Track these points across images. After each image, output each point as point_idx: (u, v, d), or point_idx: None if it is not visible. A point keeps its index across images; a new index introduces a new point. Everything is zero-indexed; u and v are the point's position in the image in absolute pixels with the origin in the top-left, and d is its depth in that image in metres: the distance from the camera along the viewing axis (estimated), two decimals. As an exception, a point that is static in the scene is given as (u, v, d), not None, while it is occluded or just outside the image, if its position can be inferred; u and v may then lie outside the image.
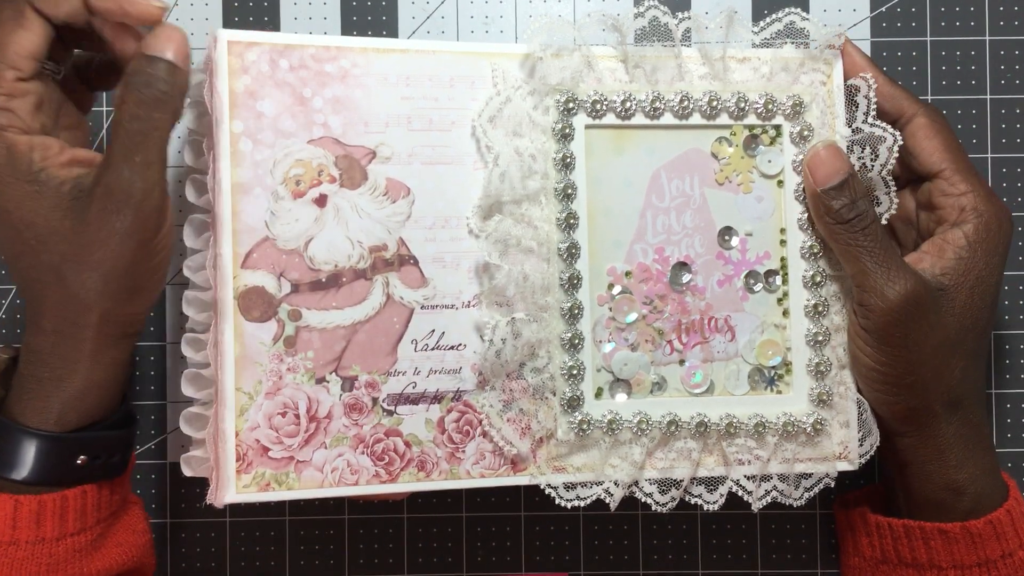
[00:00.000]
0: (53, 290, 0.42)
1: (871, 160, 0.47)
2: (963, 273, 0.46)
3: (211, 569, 0.54)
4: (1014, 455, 0.56)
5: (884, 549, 0.48)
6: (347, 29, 0.55)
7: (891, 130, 0.46)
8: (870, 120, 0.47)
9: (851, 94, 0.48)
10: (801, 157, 0.48)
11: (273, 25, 0.54)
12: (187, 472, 0.46)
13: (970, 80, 0.56)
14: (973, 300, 0.47)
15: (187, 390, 0.46)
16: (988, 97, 0.56)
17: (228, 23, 0.54)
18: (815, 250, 0.48)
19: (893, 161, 0.47)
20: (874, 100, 0.47)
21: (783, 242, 0.48)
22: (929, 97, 0.56)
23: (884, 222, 0.47)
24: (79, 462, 0.43)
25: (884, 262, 0.45)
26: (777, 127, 0.48)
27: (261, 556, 0.54)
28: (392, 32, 0.55)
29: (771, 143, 0.48)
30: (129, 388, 0.47)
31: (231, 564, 0.54)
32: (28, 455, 0.43)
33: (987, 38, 0.56)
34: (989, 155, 0.56)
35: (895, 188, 0.47)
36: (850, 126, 0.48)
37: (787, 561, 0.55)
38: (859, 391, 0.48)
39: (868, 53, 0.54)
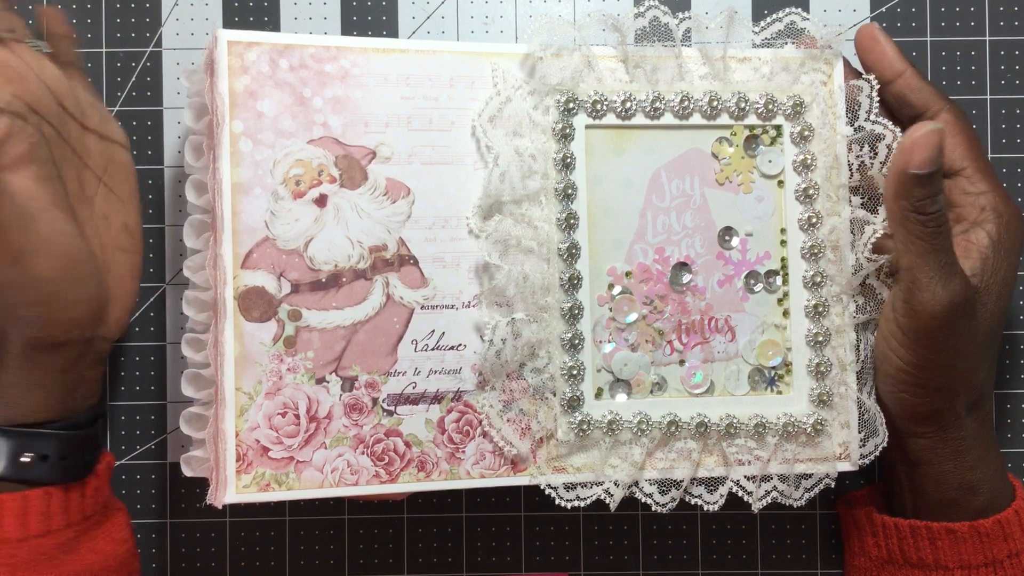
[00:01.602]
0: None
1: (870, 158, 0.47)
2: (990, 274, 0.46)
3: (211, 569, 0.54)
4: (1015, 455, 0.56)
5: (890, 549, 0.48)
6: (347, 29, 0.55)
7: (891, 126, 0.46)
8: (872, 117, 0.47)
9: (854, 94, 0.48)
10: (802, 157, 0.48)
11: (273, 25, 0.54)
12: (187, 472, 0.46)
13: (970, 80, 0.56)
14: (1001, 302, 0.47)
15: (187, 390, 0.46)
16: (988, 97, 0.56)
17: (228, 23, 0.54)
18: (815, 250, 0.48)
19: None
20: (876, 99, 0.47)
21: (783, 242, 0.48)
22: (929, 97, 0.56)
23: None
24: (25, 459, 0.42)
25: (946, 262, 0.44)
26: (777, 127, 0.48)
27: (261, 556, 0.54)
28: (392, 32, 0.55)
29: (771, 143, 0.48)
30: (93, 397, 0.46)
31: (231, 564, 0.54)
32: None
33: (987, 38, 0.56)
34: (989, 155, 0.56)
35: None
36: (852, 124, 0.48)
37: (787, 561, 0.55)
38: (874, 391, 0.48)
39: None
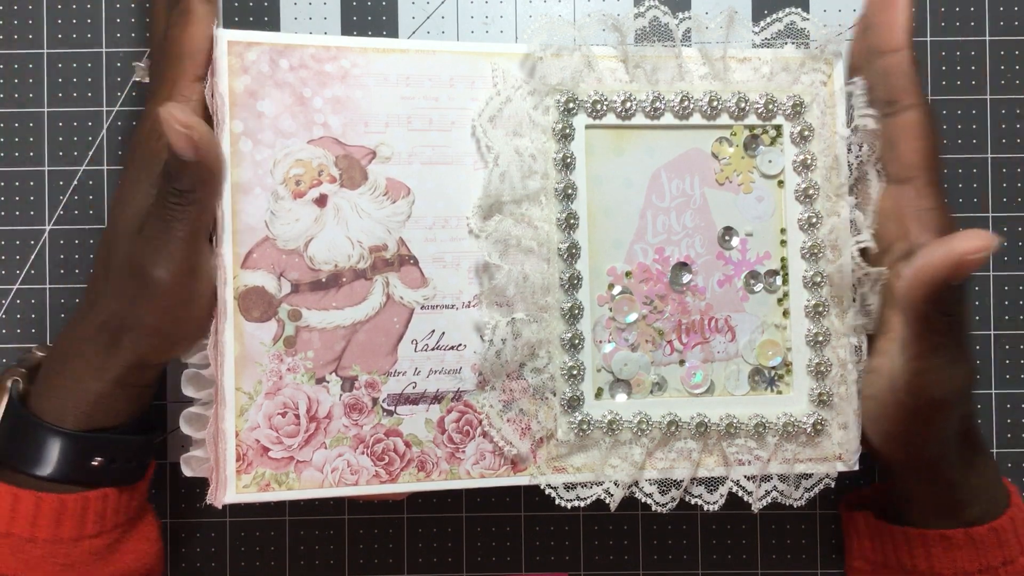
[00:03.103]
0: (105, 293, 0.44)
1: (858, 151, 0.47)
2: None
3: (211, 569, 0.54)
4: (1014, 455, 0.56)
5: (886, 554, 0.48)
6: (347, 29, 0.55)
7: (871, 124, 0.46)
8: (862, 113, 0.47)
9: (850, 95, 0.48)
10: (802, 157, 0.48)
11: (273, 25, 0.54)
12: (187, 472, 0.46)
13: (970, 80, 0.56)
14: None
15: (187, 390, 0.46)
16: (988, 97, 0.56)
17: (228, 23, 0.54)
18: (815, 250, 0.48)
19: (875, 154, 0.46)
20: (865, 102, 0.47)
21: (783, 242, 0.48)
22: (929, 97, 0.56)
23: (875, 223, 0.47)
24: (95, 463, 0.44)
25: (960, 352, 0.42)
26: (778, 127, 0.48)
27: (261, 556, 0.54)
28: (392, 32, 0.55)
29: (771, 143, 0.48)
30: (150, 403, 0.48)
31: (231, 564, 0.54)
32: (52, 452, 0.43)
33: (987, 38, 0.56)
34: (989, 155, 0.56)
35: (882, 182, 0.47)
36: (849, 125, 0.48)
37: (787, 561, 0.55)
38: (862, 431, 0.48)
39: (868, 53, 0.54)
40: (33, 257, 0.54)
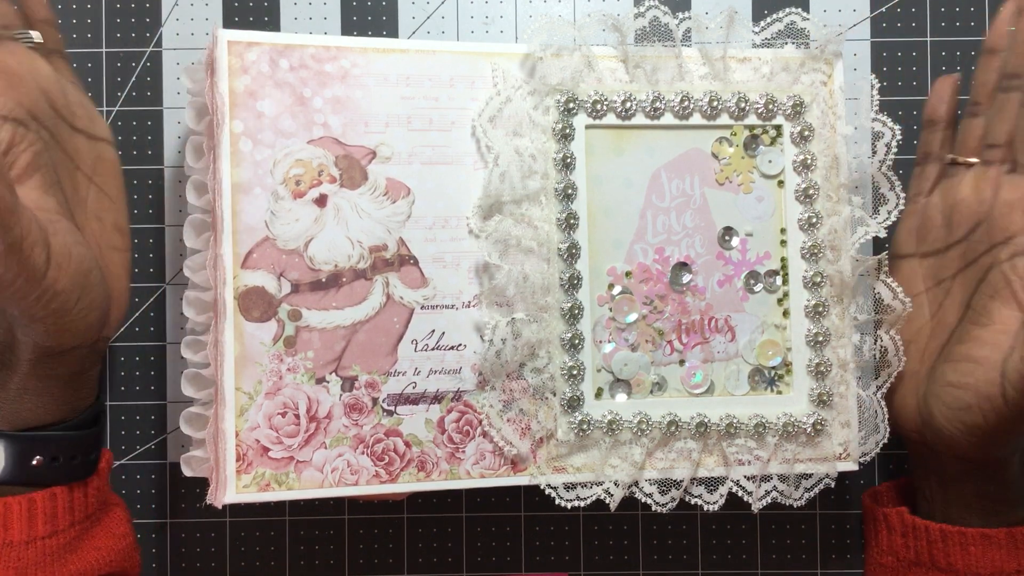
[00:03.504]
0: None
1: (868, 157, 0.47)
2: None
3: (211, 569, 0.54)
4: (1014, 455, 0.56)
5: (919, 551, 0.47)
6: (347, 29, 0.55)
7: (890, 124, 0.46)
8: (872, 114, 0.47)
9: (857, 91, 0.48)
10: (802, 157, 0.48)
11: (273, 25, 0.54)
12: (187, 472, 0.46)
13: (970, 80, 0.56)
14: None
15: (187, 390, 0.46)
16: (988, 97, 0.56)
17: (228, 23, 0.54)
18: (815, 250, 0.48)
19: (891, 157, 0.46)
20: (876, 97, 0.47)
21: (783, 242, 0.48)
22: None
23: (892, 220, 0.47)
24: (35, 462, 0.42)
25: None
26: (778, 127, 0.48)
27: (261, 556, 0.54)
28: (392, 32, 0.55)
29: (771, 143, 0.48)
30: (91, 396, 0.46)
31: (231, 564, 0.54)
32: None
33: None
34: (989, 155, 0.56)
35: (899, 184, 0.47)
36: (851, 124, 0.48)
37: (787, 561, 0.55)
38: (930, 418, 0.47)
39: (868, 53, 0.54)
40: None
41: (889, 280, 0.48)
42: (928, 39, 0.56)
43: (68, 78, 0.46)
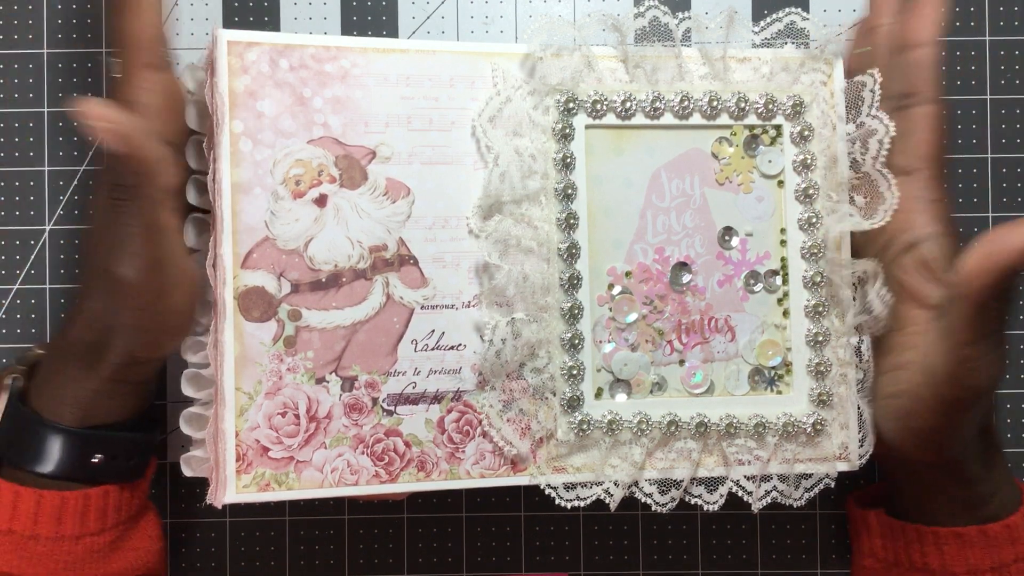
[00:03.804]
0: (96, 291, 0.43)
1: (861, 155, 0.47)
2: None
3: (211, 569, 0.54)
4: (1014, 455, 0.56)
5: (897, 552, 0.48)
6: (347, 29, 0.55)
7: (886, 120, 0.46)
8: (872, 112, 0.47)
9: (857, 88, 0.48)
10: (802, 157, 0.48)
11: (273, 25, 0.54)
12: (187, 472, 0.46)
13: (970, 80, 0.56)
14: None
15: (187, 390, 0.46)
16: (988, 97, 0.56)
17: (228, 23, 0.54)
18: (815, 250, 0.48)
19: (884, 153, 0.46)
20: (879, 94, 0.47)
21: (783, 242, 0.48)
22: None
23: (886, 220, 0.46)
24: (95, 460, 0.44)
25: (1001, 339, 0.43)
26: (777, 127, 0.48)
27: (261, 556, 0.54)
28: (392, 32, 0.55)
29: (771, 143, 0.48)
30: (150, 400, 0.48)
31: (231, 564, 0.54)
32: (53, 449, 0.43)
33: (987, 38, 0.56)
34: (989, 155, 0.56)
35: (894, 181, 0.46)
36: (855, 121, 0.48)
37: (787, 561, 0.55)
38: (873, 432, 0.47)
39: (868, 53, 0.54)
40: (33, 257, 0.54)
41: (876, 286, 0.47)
42: (928, 39, 0.56)
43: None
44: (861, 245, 0.48)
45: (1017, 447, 0.56)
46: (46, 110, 0.54)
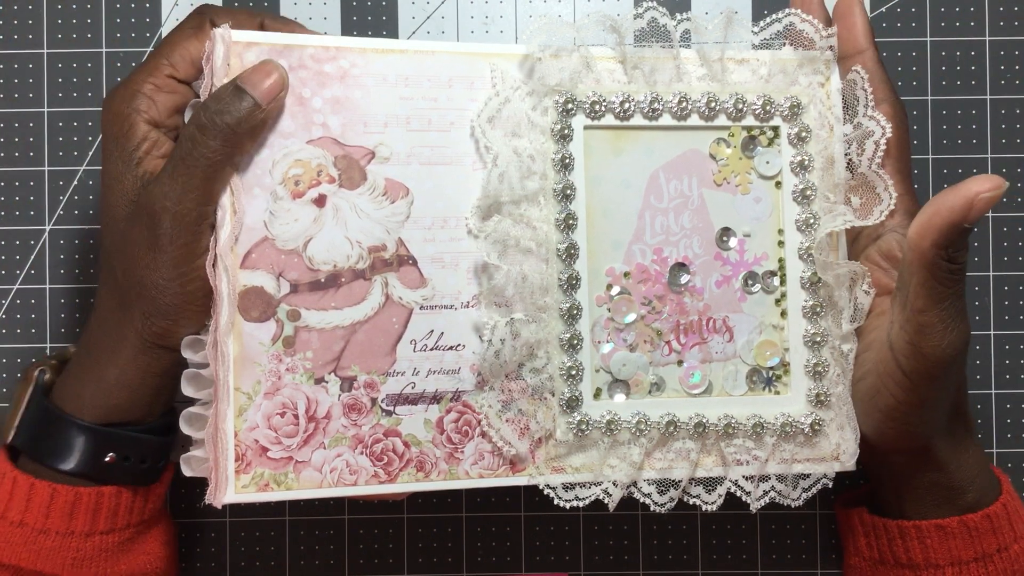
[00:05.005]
0: (112, 275, 0.44)
1: (857, 155, 0.47)
2: None
3: (211, 569, 0.54)
4: (1014, 455, 0.56)
5: (881, 550, 0.48)
6: (347, 29, 0.55)
7: (882, 121, 0.46)
8: (869, 113, 0.47)
9: (850, 88, 0.48)
10: (799, 159, 0.48)
11: (273, 25, 0.54)
12: (187, 472, 0.46)
13: (970, 80, 0.56)
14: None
15: (187, 390, 0.46)
16: (988, 97, 0.56)
17: (228, 23, 0.54)
18: (812, 251, 0.48)
19: (881, 154, 0.46)
20: (870, 92, 0.47)
21: (781, 243, 0.48)
22: (929, 97, 0.56)
23: (883, 218, 0.46)
24: (108, 459, 0.44)
25: (960, 307, 0.43)
26: (775, 128, 0.48)
27: (261, 556, 0.54)
28: (392, 32, 0.55)
29: (769, 144, 0.48)
30: (170, 403, 0.48)
31: (231, 564, 0.54)
32: (71, 445, 0.44)
33: (987, 38, 0.56)
34: (989, 155, 0.56)
35: (891, 181, 0.46)
36: (852, 122, 0.48)
37: (787, 561, 0.55)
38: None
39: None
40: (33, 257, 0.54)
41: (864, 287, 0.47)
42: (928, 39, 0.56)
43: None
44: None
45: (1017, 447, 0.56)
46: (46, 110, 0.54)
